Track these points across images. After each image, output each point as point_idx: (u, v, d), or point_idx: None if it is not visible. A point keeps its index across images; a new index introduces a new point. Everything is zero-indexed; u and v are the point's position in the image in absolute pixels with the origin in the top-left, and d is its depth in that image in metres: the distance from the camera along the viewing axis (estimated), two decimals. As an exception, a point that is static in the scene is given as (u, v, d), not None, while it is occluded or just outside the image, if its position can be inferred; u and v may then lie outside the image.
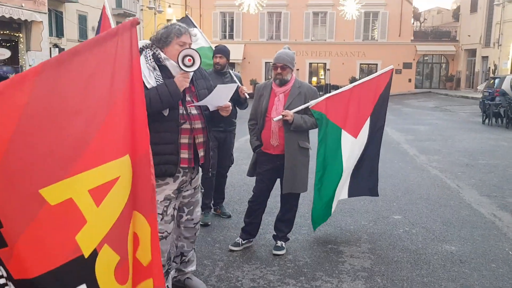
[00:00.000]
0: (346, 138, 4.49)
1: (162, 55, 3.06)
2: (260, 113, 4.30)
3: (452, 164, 8.79)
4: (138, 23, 2.38)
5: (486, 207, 5.96)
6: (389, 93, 4.68)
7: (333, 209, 4.80)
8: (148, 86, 2.91)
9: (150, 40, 3.18)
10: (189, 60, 2.91)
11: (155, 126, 2.77)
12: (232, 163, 5.53)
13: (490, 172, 8.12)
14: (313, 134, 4.43)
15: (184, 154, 3.12)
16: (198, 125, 3.17)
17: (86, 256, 2.09)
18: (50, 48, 21.59)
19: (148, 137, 2.29)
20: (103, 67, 2.19)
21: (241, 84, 5.14)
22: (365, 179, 4.91)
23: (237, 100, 5.00)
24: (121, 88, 2.22)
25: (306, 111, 4.22)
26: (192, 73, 3.10)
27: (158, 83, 2.97)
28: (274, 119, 4.12)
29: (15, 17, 16.78)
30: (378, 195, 5.13)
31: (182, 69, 2.94)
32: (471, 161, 9.08)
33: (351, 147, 4.55)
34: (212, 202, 5.44)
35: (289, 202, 4.42)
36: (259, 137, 4.31)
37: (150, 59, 3.03)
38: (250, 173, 4.53)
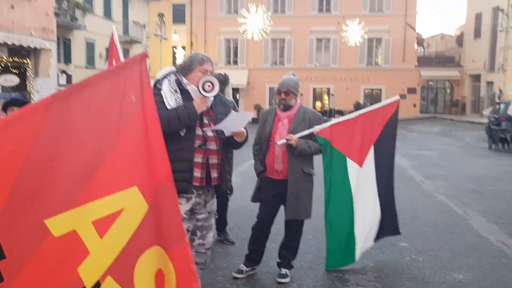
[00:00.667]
0: (352, 166, 4.42)
1: (184, 80, 3.29)
2: (264, 138, 4.29)
3: (459, 190, 8.70)
4: (147, 57, 2.45)
5: (494, 234, 5.86)
6: (397, 124, 4.63)
7: (357, 256, 4.56)
8: (168, 107, 3.14)
9: (175, 67, 3.45)
10: (209, 86, 3.12)
11: (172, 145, 2.90)
12: (232, 189, 5.34)
13: (497, 198, 8.02)
14: (318, 161, 4.39)
15: (197, 173, 3.26)
16: (212, 146, 3.33)
17: None
18: (58, 74, 21.84)
19: (167, 170, 2.28)
20: (111, 100, 2.23)
21: (237, 109, 5.13)
22: (386, 220, 4.78)
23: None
24: (130, 120, 2.25)
25: (310, 136, 4.20)
26: (212, 98, 3.30)
27: (178, 105, 3.17)
28: (278, 142, 4.11)
29: (25, 45, 17.02)
30: (400, 233, 5.01)
31: (201, 94, 3.12)
32: (478, 187, 8.99)
33: (357, 176, 4.46)
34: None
35: (293, 229, 4.36)
36: (263, 162, 4.29)
37: (173, 83, 3.28)
38: (254, 199, 4.49)
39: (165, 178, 2.26)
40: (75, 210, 2.08)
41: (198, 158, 3.26)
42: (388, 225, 4.80)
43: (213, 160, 3.34)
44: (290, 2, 35.76)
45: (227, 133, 3.38)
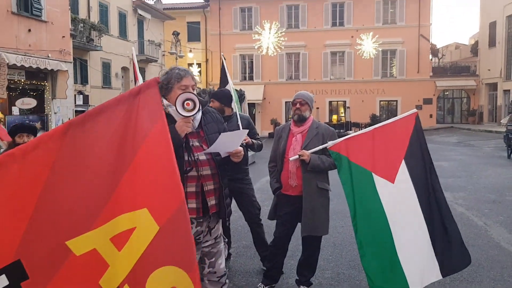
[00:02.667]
0: (380, 182, 3.93)
1: (165, 102, 2.92)
2: (279, 154, 4.30)
3: (478, 201, 8.58)
4: (159, 82, 2.43)
5: (516, 245, 5.76)
6: (424, 138, 4.12)
7: (411, 284, 3.77)
8: None
9: None
10: (187, 104, 2.74)
11: None
12: (260, 209, 5.20)
13: (518, 208, 7.89)
14: (336, 176, 4.36)
15: (192, 204, 2.94)
16: (206, 171, 3.00)
17: None
18: (75, 95, 22.19)
19: (181, 196, 2.29)
20: (125, 125, 2.30)
21: (252, 125, 5.14)
22: (454, 249, 3.90)
23: (251, 146, 5.00)
24: (142, 145, 2.31)
25: (324, 151, 4.11)
26: (198, 117, 3.03)
27: None
28: (291, 158, 4.10)
29: (42, 67, 17.36)
30: (470, 262, 3.99)
31: (180, 114, 2.76)
32: (498, 198, 8.86)
33: (390, 193, 3.91)
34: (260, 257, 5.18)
35: (311, 245, 4.33)
36: (278, 179, 4.29)
37: None
38: (271, 216, 4.47)
39: (180, 204, 2.29)
40: (94, 231, 2.19)
41: (191, 187, 2.95)
42: (457, 256, 3.90)
43: (209, 186, 3.01)
44: (303, 17, 35.99)
45: (223, 154, 3.07)
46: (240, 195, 5.07)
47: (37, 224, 2.10)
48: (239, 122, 5.04)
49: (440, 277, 3.87)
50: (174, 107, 2.82)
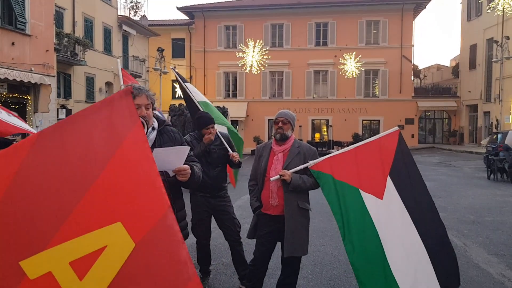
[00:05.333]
0: (368, 199, 3.86)
1: None
2: (259, 173, 4.28)
3: (458, 222, 8.66)
4: (132, 92, 2.35)
5: (495, 266, 5.80)
6: (410, 154, 4.10)
7: None
8: None
9: None
10: None
11: None
12: (240, 227, 5.18)
13: (497, 229, 7.98)
14: (314, 195, 4.37)
15: None
16: None
17: None
18: (58, 109, 21.99)
19: (162, 210, 2.05)
20: (96, 136, 2.12)
21: (232, 143, 5.14)
22: (450, 265, 3.86)
23: (231, 162, 5.00)
24: (115, 155, 2.11)
25: (305, 171, 4.10)
26: (150, 136, 2.93)
27: None
28: (271, 179, 4.07)
29: (25, 80, 17.21)
30: (459, 284, 3.90)
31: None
32: (477, 218, 8.95)
33: (379, 209, 3.84)
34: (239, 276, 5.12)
35: (291, 265, 4.29)
36: (259, 198, 4.27)
37: None
38: (251, 235, 4.44)
39: (160, 218, 2.05)
40: (51, 250, 1.93)
41: None
42: (448, 274, 3.84)
43: None
44: (287, 36, 36.36)
45: (170, 173, 2.92)
46: (221, 213, 5.05)
47: None
48: (223, 140, 5.06)
49: None
50: None
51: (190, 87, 5.98)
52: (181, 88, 5.96)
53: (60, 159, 2.06)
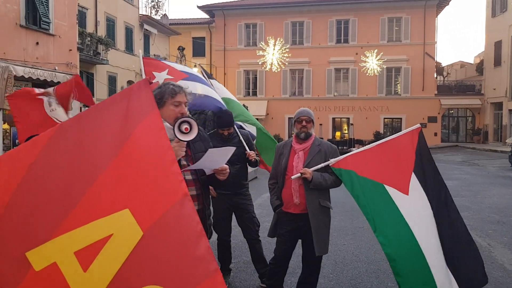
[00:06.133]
0: (394, 193, 3.82)
1: None
2: (280, 171, 4.27)
3: (482, 222, 8.50)
4: (151, 82, 2.32)
5: (520, 267, 5.68)
6: (429, 153, 4.10)
7: None
8: None
9: None
10: (186, 129, 2.64)
11: None
12: (259, 226, 5.20)
13: (523, 229, 7.81)
14: (334, 193, 4.34)
15: None
16: (192, 191, 2.91)
17: None
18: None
19: (172, 193, 1.95)
20: (110, 125, 2.09)
21: (252, 141, 5.14)
22: (470, 265, 3.81)
23: (248, 161, 5.00)
24: (126, 142, 2.04)
25: (326, 169, 4.09)
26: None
27: None
28: (293, 177, 4.06)
29: (49, 79, 17.51)
30: (486, 281, 3.86)
31: (177, 138, 2.66)
32: (502, 218, 8.77)
33: (406, 203, 3.80)
34: (258, 274, 5.14)
35: (311, 264, 4.29)
36: (279, 196, 4.26)
37: None
38: (271, 234, 4.43)
39: (173, 205, 1.94)
40: (56, 240, 1.85)
41: None
42: (469, 276, 3.77)
43: (195, 207, 2.80)
44: (308, 34, 36.21)
45: (207, 172, 2.99)
46: (241, 211, 5.09)
47: (2, 231, 1.86)
48: (241, 138, 5.07)
49: None
50: (167, 124, 2.78)
51: (215, 83, 6.00)
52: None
53: (74, 150, 2.02)
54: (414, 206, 3.81)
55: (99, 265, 1.86)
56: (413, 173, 3.93)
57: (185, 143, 2.76)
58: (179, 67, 5.80)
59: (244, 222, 5.10)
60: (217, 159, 2.89)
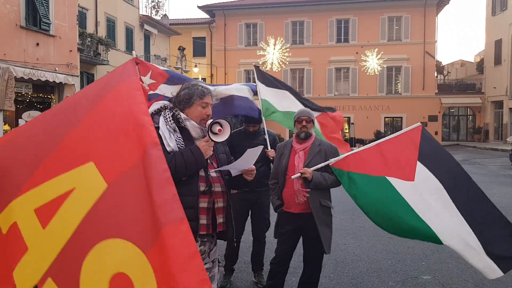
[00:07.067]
0: (397, 182, 3.85)
1: (182, 115, 2.92)
2: (280, 171, 4.28)
3: (483, 220, 8.48)
4: (138, 63, 2.47)
5: (521, 266, 5.67)
6: (436, 142, 4.09)
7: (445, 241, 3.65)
8: (168, 149, 2.74)
9: (170, 100, 3.05)
10: (219, 130, 2.75)
11: None
12: (268, 227, 5.23)
13: (523, 228, 7.80)
14: (340, 194, 4.35)
15: (203, 220, 2.86)
16: (218, 188, 2.95)
17: None
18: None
19: (145, 141, 1.90)
20: (89, 93, 2.23)
21: (277, 141, 5.15)
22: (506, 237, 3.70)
23: (268, 159, 4.99)
24: (99, 102, 2.07)
25: (326, 168, 4.13)
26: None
27: (178, 146, 2.81)
28: (293, 176, 4.07)
29: (50, 80, 17.53)
30: None
31: (210, 138, 2.75)
32: (503, 217, 8.76)
33: (411, 190, 3.82)
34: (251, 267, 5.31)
35: (312, 264, 4.29)
36: (280, 196, 4.26)
37: (170, 121, 2.88)
38: (276, 235, 4.43)
39: (142, 156, 1.85)
40: (18, 199, 1.81)
41: (203, 203, 2.85)
42: (500, 243, 3.68)
43: (220, 203, 2.95)
44: (308, 33, 36.20)
45: (234, 172, 3.03)
46: (256, 208, 5.12)
47: None
48: (266, 137, 5.13)
49: (500, 273, 3.58)
50: (194, 122, 2.90)
51: (260, 87, 5.85)
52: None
53: (49, 118, 2.11)
54: (420, 191, 3.81)
55: (59, 221, 1.78)
56: (418, 161, 3.92)
57: (213, 143, 2.83)
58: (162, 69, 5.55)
59: (255, 219, 5.16)
60: (248, 159, 2.95)
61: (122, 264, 1.67)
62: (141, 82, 2.36)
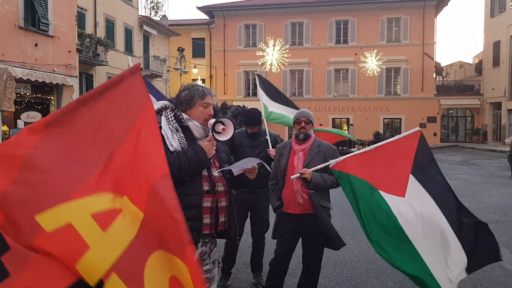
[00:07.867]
0: (389, 198, 3.88)
1: (184, 116, 2.95)
2: (280, 172, 4.28)
3: (481, 221, 8.50)
4: (141, 69, 2.45)
5: (519, 267, 5.70)
6: (431, 154, 4.16)
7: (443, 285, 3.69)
8: (171, 148, 2.79)
9: (170, 101, 3.08)
10: (223, 129, 2.79)
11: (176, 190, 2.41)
12: (267, 228, 5.25)
13: (522, 229, 7.83)
14: (339, 195, 4.36)
15: (206, 219, 2.89)
16: (220, 187, 2.99)
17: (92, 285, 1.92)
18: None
19: (153, 178, 2.12)
20: (108, 114, 2.26)
21: (278, 142, 5.17)
22: (478, 243, 3.89)
23: (269, 160, 5.00)
24: (131, 129, 2.26)
25: (326, 169, 4.11)
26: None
27: (181, 145, 2.84)
28: (292, 177, 4.06)
29: (48, 81, 17.51)
30: (501, 259, 4.01)
31: (214, 137, 2.79)
32: (501, 218, 8.79)
33: (401, 206, 3.84)
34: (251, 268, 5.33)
35: (312, 265, 4.30)
36: (279, 197, 4.27)
37: (172, 120, 2.92)
38: (274, 236, 4.45)
39: (152, 187, 2.11)
40: (68, 204, 1.97)
41: (207, 203, 2.88)
42: (483, 251, 3.89)
43: (223, 203, 2.98)
44: (307, 34, 36.23)
45: (235, 172, 3.07)
46: (256, 209, 5.12)
47: (12, 193, 1.94)
48: (268, 137, 5.17)
49: (464, 275, 3.77)
50: (196, 122, 2.96)
51: (262, 94, 6.09)
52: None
53: (79, 136, 2.17)
54: (411, 207, 3.87)
55: (118, 227, 2.01)
56: (411, 175, 3.99)
57: (215, 142, 2.89)
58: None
59: (254, 220, 5.16)
60: (249, 160, 3.07)
61: (173, 269, 2.02)
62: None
